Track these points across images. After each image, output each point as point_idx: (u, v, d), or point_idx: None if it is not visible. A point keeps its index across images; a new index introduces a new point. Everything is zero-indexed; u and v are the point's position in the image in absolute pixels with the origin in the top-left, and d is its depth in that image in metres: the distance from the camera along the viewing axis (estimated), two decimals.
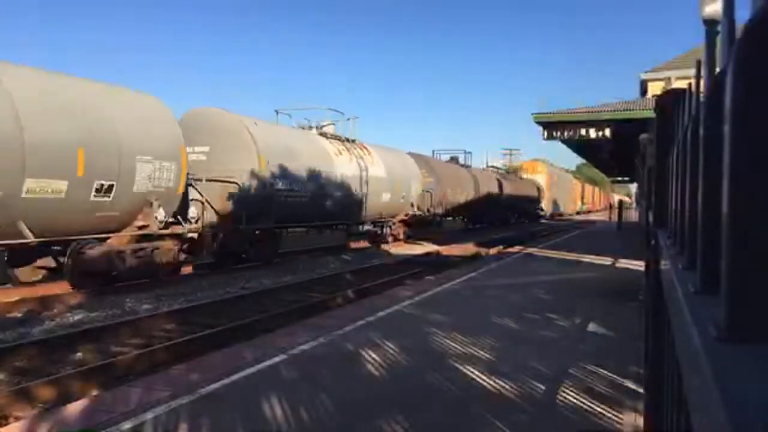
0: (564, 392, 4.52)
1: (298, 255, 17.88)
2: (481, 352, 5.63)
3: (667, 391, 1.47)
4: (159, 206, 11.91)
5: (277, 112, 19.60)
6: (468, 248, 21.86)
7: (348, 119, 21.38)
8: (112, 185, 10.82)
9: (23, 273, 11.19)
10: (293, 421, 3.89)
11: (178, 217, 12.88)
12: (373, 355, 5.46)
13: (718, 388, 0.44)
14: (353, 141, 21.01)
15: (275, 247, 16.38)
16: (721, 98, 0.57)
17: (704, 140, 0.87)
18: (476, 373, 4.95)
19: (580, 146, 22.64)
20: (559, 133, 17.32)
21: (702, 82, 1.32)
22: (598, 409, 4.16)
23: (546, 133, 17.35)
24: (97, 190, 10.55)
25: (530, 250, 17.84)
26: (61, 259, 10.95)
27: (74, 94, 10.62)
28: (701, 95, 1.21)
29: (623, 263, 13.53)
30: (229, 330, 8.05)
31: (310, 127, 19.83)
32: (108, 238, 11.28)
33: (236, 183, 14.27)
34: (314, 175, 17.01)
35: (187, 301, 10.56)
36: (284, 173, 15.68)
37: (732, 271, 0.54)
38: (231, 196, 14.38)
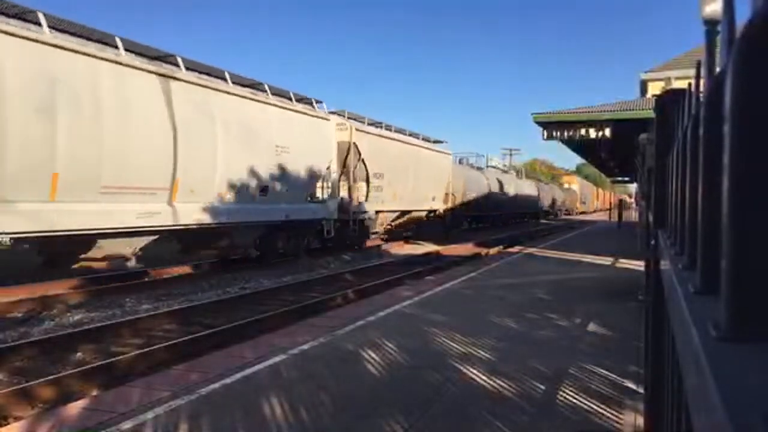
0: (564, 392, 4.52)
1: None
2: (481, 352, 5.63)
3: (667, 391, 1.47)
4: None
5: None
6: (468, 248, 21.89)
7: None
8: None
9: None
10: (293, 421, 3.89)
11: None
12: (374, 355, 5.47)
13: (718, 388, 0.44)
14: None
15: None
16: (721, 98, 0.56)
17: (704, 140, 0.87)
18: (476, 372, 4.95)
19: (579, 146, 22.61)
20: (558, 133, 17.30)
21: (702, 82, 1.32)
22: (598, 409, 4.16)
23: (546, 133, 17.33)
24: None
25: (530, 250, 17.84)
26: None
27: None
28: (701, 95, 1.21)
29: (623, 263, 13.53)
30: (229, 330, 8.05)
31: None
32: None
33: None
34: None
35: (187, 301, 10.57)
36: None
37: (732, 271, 0.54)
38: None
